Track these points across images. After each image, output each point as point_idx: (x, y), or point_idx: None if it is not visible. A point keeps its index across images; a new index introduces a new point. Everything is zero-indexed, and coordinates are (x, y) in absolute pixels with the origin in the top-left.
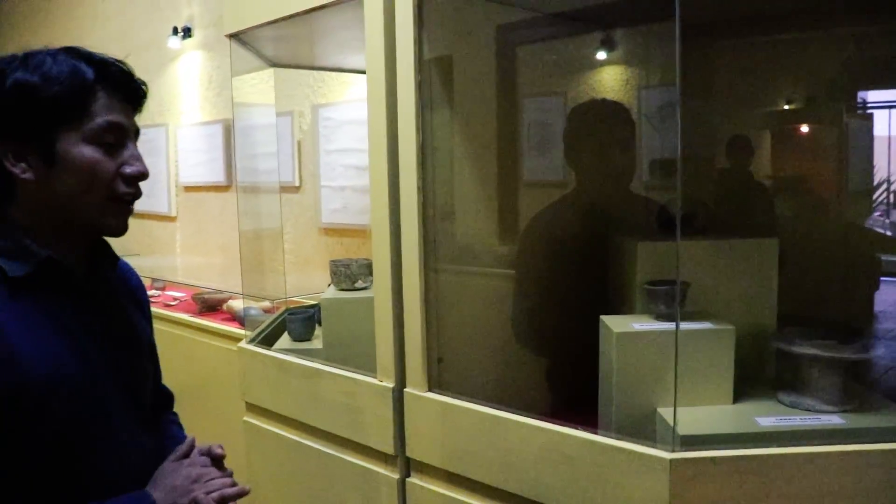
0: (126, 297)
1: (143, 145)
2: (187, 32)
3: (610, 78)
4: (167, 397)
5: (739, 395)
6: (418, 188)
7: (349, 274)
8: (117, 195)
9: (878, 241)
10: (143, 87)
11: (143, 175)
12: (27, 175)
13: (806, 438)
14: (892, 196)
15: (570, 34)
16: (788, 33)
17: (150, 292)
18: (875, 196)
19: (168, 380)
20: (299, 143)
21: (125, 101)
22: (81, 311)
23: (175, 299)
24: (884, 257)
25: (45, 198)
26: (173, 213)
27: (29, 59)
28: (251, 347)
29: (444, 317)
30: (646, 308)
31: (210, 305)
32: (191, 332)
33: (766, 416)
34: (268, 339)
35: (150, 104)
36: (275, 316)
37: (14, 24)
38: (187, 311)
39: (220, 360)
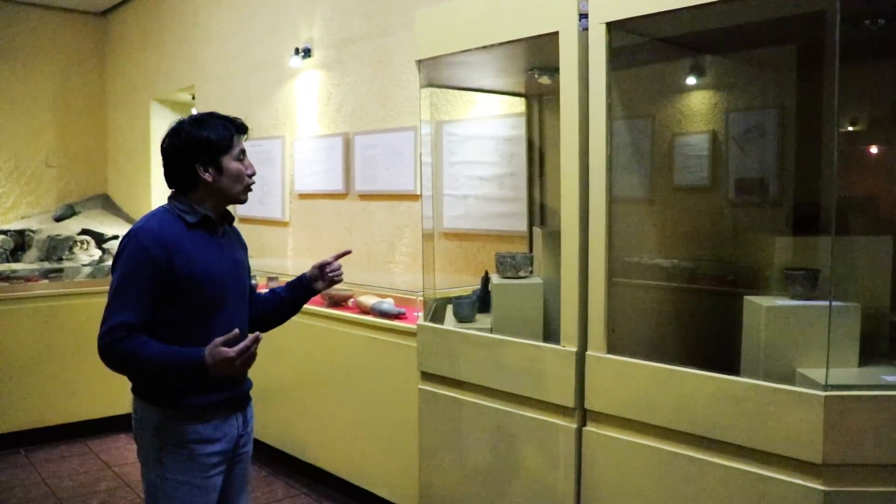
0: (236, 242)
1: (259, 155)
2: (307, 53)
3: (698, 102)
4: (254, 287)
5: (862, 362)
6: (607, 190)
7: (514, 264)
8: (248, 184)
9: None
10: (247, 126)
11: (255, 173)
12: (209, 178)
13: None
14: None
15: (662, 59)
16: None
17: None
18: None
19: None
20: (421, 156)
21: (242, 134)
22: (219, 243)
23: None
24: None
25: (214, 189)
26: (286, 219)
27: (203, 122)
28: (430, 325)
29: (616, 295)
30: (785, 289)
31: (336, 301)
32: (334, 323)
33: (890, 375)
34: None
35: (267, 118)
36: (433, 304)
37: (121, 40)
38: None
39: (362, 347)
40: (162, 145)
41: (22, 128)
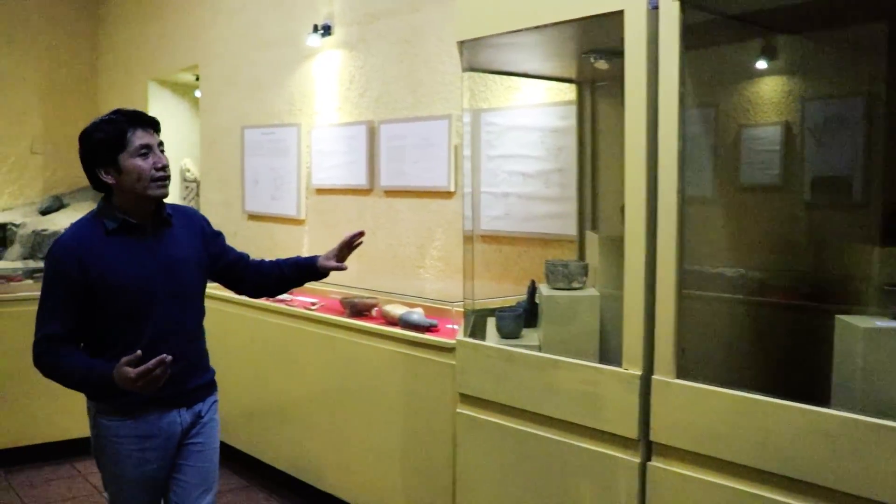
0: (187, 230)
1: (271, 144)
2: (327, 30)
3: (769, 89)
4: (246, 255)
5: None
6: (678, 191)
7: (566, 274)
8: (154, 178)
9: None
10: (155, 118)
11: (165, 166)
12: (111, 180)
13: None
14: None
15: (728, 41)
16: None
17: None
18: None
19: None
20: (456, 148)
21: (149, 128)
22: (145, 245)
23: (312, 303)
24: None
25: (122, 190)
26: (301, 216)
27: (97, 123)
28: (472, 341)
29: (684, 310)
30: (886, 308)
31: (359, 310)
32: (356, 335)
33: None
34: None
35: (281, 103)
36: (471, 316)
37: (116, 14)
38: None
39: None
40: None
41: (5, 110)
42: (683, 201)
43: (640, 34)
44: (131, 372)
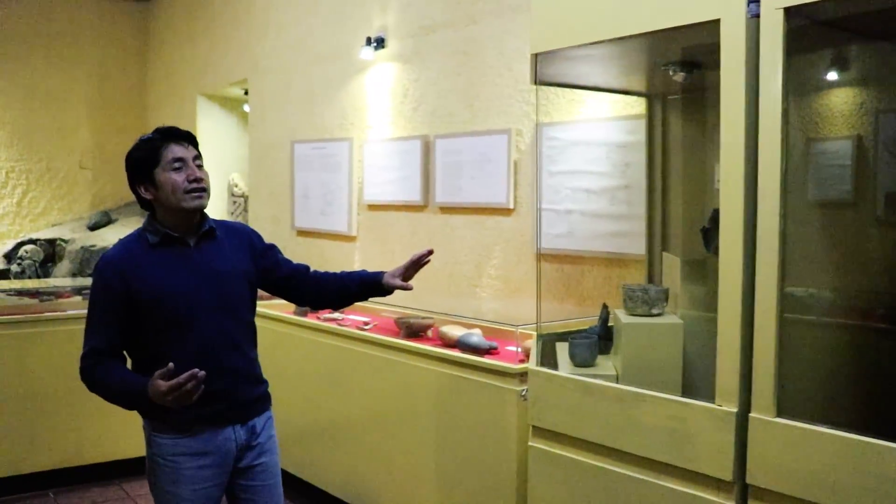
0: (234, 243)
1: (323, 159)
2: (380, 43)
3: (840, 101)
4: (305, 266)
5: None
6: (781, 214)
7: (646, 299)
8: (188, 190)
9: None
10: (189, 132)
11: (198, 178)
12: (150, 196)
13: None
14: None
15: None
16: None
17: (331, 315)
18: None
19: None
20: (516, 164)
21: (182, 141)
22: (188, 257)
23: (365, 323)
24: None
25: (161, 205)
26: (353, 233)
27: (136, 142)
28: (545, 370)
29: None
30: None
31: (414, 331)
32: (412, 357)
33: None
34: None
35: (332, 117)
36: (539, 341)
37: (166, 29)
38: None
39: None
40: None
41: (55, 125)
42: (786, 224)
43: (737, 45)
44: (163, 385)
